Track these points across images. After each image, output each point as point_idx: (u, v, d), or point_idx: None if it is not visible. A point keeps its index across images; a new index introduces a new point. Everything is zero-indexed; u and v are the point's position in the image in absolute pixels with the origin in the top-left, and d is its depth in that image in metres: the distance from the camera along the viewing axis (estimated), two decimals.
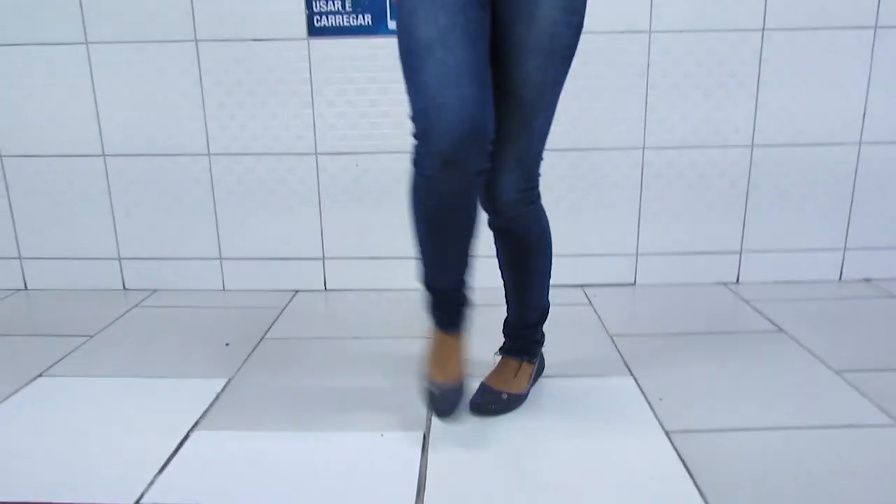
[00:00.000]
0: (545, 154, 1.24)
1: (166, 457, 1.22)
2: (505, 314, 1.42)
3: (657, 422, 1.31)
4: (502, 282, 1.38)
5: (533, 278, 1.37)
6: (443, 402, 1.27)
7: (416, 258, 1.22)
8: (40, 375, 1.58)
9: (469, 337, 1.31)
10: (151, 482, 1.14)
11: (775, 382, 1.47)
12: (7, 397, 1.47)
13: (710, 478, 1.12)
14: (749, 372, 1.53)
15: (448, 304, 1.25)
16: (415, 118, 1.06)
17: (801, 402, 1.38)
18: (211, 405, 1.42)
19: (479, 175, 1.09)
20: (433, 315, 1.26)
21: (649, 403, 1.39)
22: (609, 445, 1.23)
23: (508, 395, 1.37)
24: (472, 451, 1.23)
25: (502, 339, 1.44)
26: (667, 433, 1.27)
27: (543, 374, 1.49)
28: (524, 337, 1.42)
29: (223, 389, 1.49)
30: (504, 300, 1.41)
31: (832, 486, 1.10)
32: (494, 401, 1.36)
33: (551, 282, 1.39)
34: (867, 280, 2.14)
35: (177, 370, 1.59)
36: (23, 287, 2.22)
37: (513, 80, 1.14)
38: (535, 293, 1.38)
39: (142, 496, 1.11)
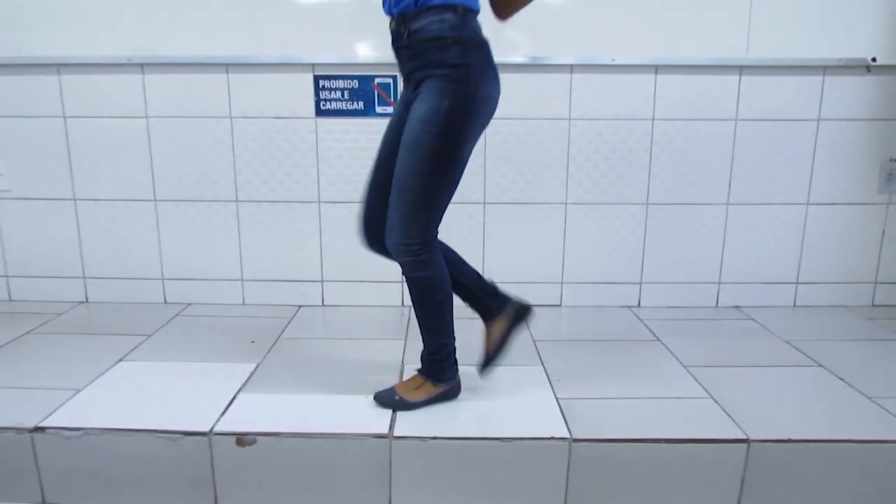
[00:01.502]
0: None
1: (224, 406, 1.85)
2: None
3: (552, 391, 1.96)
4: None
5: (420, 318, 1.80)
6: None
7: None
8: (120, 360, 2.20)
9: None
10: (217, 420, 1.77)
11: (638, 371, 2.13)
12: (101, 374, 2.08)
13: (578, 426, 1.77)
14: (623, 366, 2.18)
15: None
16: None
17: (651, 384, 2.03)
18: (248, 378, 2.04)
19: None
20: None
21: (550, 382, 2.03)
22: (515, 403, 1.88)
23: (400, 398, 1.82)
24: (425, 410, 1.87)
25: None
26: (556, 398, 1.91)
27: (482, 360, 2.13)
28: (425, 360, 1.85)
29: (255, 370, 2.11)
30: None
31: (655, 427, 1.74)
32: (387, 396, 1.84)
33: None
34: (737, 307, 2.82)
35: (219, 357, 2.22)
36: (84, 300, 2.83)
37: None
38: (423, 330, 1.81)
39: (214, 425, 1.73)
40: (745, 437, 1.71)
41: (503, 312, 1.90)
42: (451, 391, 1.89)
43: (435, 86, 1.60)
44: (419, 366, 1.90)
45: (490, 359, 1.91)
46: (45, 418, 1.79)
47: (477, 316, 1.92)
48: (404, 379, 1.96)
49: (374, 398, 1.87)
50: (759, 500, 1.71)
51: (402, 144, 1.65)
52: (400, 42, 1.67)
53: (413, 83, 1.69)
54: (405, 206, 1.66)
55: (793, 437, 1.72)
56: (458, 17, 1.60)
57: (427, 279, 1.73)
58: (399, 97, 1.83)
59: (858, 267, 2.78)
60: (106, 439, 1.74)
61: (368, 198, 1.80)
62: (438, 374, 1.85)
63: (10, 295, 2.82)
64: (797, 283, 2.79)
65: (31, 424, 1.76)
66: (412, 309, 1.89)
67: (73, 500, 1.76)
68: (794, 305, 2.81)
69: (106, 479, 1.75)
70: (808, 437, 1.72)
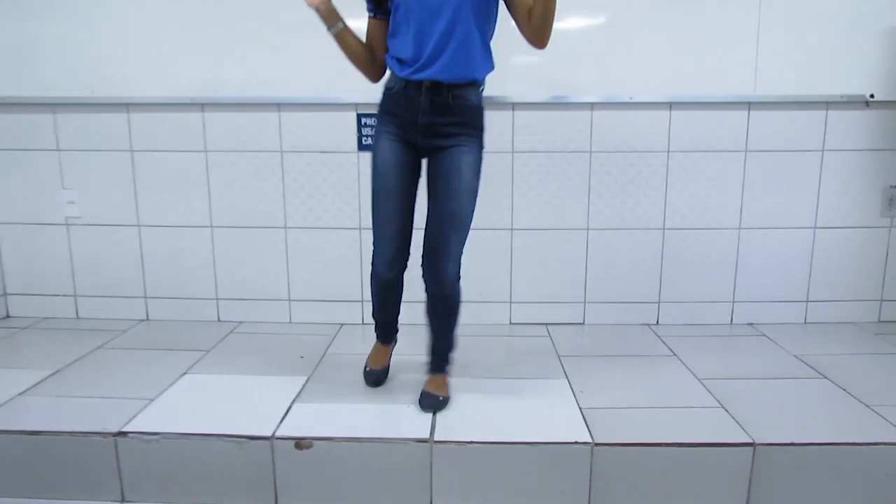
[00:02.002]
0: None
1: (282, 414, 2.08)
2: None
3: (575, 401, 2.17)
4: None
5: (447, 327, 2.15)
6: (373, 377, 2.28)
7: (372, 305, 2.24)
8: (185, 373, 2.44)
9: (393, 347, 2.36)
10: (277, 425, 2.00)
11: (655, 383, 2.33)
12: (170, 385, 2.33)
13: (599, 430, 1.97)
14: (641, 378, 2.38)
15: (384, 329, 2.28)
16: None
17: (666, 395, 2.23)
18: (301, 389, 2.28)
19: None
20: (377, 334, 2.31)
21: (573, 393, 2.24)
22: (543, 411, 2.09)
23: (444, 397, 2.13)
24: (461, 408, 2.08)
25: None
26: (580, 408, 2.12)
27: (513, 375, 2.34)
28: (445, 358, 2.19)
29: (306, 382, 2.35)
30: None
31: (669, 433, 1.94)
32: (434, 400, 2.11)
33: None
34: (751, 324, 3.00)
35: (273, 371, 2.45)
36: (145, 318, 3.09)
37: None
38: (447, 335, 2.16)
39: (275, 430, 1.97)
40: (751, 440, 1.91)
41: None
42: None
43: (474, 142, 1.99)
44: (428, 365, 2.23)
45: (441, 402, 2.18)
46: (126, 424, 2.03)
47: None
48: (427, 383, 2.21)
49: (424, 407, 2.12)
50: (765, 500, 1.90)
51: (457, 189, 1.97)
52: (440, 102, 1.94)
53: (436, 135, 1.97)
54: (460, 242, 2.02)
55: (795, 441, 1.91)
56: (483, 89, 2.02)
57: (459, 295, 2.12)
58: (393, 138, 2.02)
59: (864, 286, 2.96)
60: (179, 443, 1.98)
61: (397, 238, 2.06)
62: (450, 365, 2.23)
63: (77, 312, 3.09)
64: (807, 301, 2.97)
65: (115, 429, 2.00)
66: (431, 322, 2.17)
67: (150, 499, 1.99)
68: (805, 322, 2.99)
69: (179, 479, 1.99)
70: (809, 441, 1.92)
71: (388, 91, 2.05)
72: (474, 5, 1.88)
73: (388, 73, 2.06)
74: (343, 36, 2.02)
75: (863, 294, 2.97)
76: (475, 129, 2.00)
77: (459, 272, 2.07)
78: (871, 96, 2.75)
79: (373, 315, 2.32)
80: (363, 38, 2.07)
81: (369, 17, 2.04)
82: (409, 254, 2.11)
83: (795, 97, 2.77)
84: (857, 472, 1.90)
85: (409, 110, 1.98)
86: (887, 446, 1.91)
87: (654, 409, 2.12)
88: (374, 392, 2.27)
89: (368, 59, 2.07)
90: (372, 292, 2.25)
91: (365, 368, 2.35)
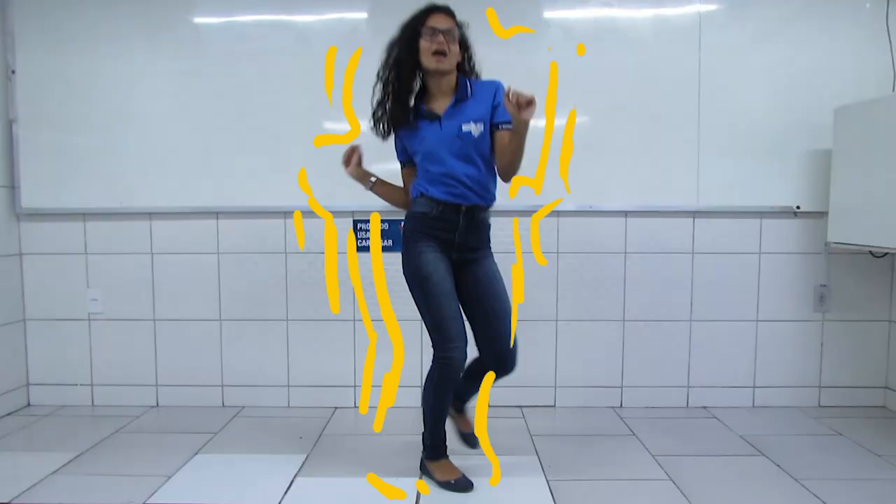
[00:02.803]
0: None
1: (285, 487, 2.38)
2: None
3: (544, 476, 2.48)
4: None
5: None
6: (461, 485, 2.39)
7: (427, 424, 2.42)
8: (196, 453, 2.73)
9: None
10: (281, 498, 2.30)
11: (616, 459, 2.65)
12: (184, 464, 2.62)
13: (562, 499, 2.28)
14: (603, 455, 2.70)
15: (442, 442, 2.45)
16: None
17: (624, 469, 2.55)
18: (301, 466, 2.58)
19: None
20: (437, 453, 2.44)
21: (542, 467, 2.55)
22: (513, 482, 2.40)
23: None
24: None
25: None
26: (546, 479, 2.43)
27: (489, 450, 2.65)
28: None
29: (306, 459, 2.65)
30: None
31: (622, 501, 2.26)
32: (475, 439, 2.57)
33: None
34: (705, 407, 3.33)
35: (275, 450, 2.75)
36: (155, 404, 3.38)
37: None
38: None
39: (281, 500, 2.26)
40: None
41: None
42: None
43: (490, 252, 2.45)
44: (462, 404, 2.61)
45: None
46: (149, 497, 2.32)
47: None
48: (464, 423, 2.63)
49: (473, 446, 2.61)
50: None
51: (497, 289, 2.39)
52: (472, 223, 2.35)
53: (464, 249, 2.36)
54: (510, 331, 2.38)
55: None
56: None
57: None
58: (434, 239, 2.33)
59: (804, 373, 3.32)
60: None
61: (464, 329, 2.32)
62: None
63: (93, 401, 3.39)
64: (754, 386, 3.32)
65: (140, 502, 2.29)
66: (477, 378, 2.45)
67: None
68: (753, 406, 3.33)
69: None
70: None
71: (423, 215, 2.35)
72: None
73: (420, 199, 2.37)
74: (378, 189, 2.47)
75: (803, 381, 3.32)
76: (488, 242, 2.46)
77: None
78: (798, 208, 3.20)
79: (432, 433, 2.43)
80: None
81: (403, 167, 2.48)
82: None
83: (733, 208, 3.21)
84: None
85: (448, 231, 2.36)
86: None
87: (612, 482, 2.44)
88: (366, 469, 2.56)
89: (404, 198, 2.49)
90: (433, 403, 2.37)
91: (449, 483, 2.40)
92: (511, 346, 2.38)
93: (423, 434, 2.46)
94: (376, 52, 2.36)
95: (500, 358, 2.39)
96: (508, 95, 2.06)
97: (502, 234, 3.14)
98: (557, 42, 3.18)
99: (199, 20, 3.23)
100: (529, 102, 2.04)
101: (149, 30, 3.22)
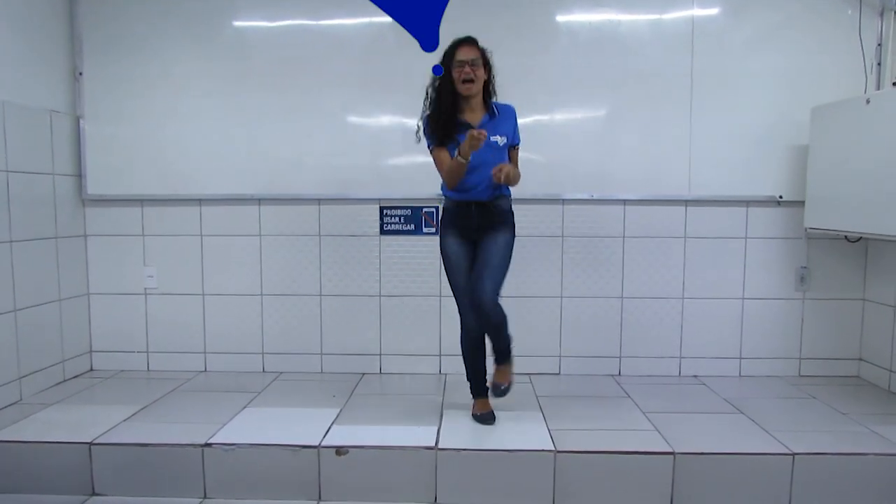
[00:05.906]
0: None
1: (324, 431, 2.78)
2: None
3: (545, 425, 2.86)
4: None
5: (503, 335, 2.85)
6: (483, 418, 2.90)
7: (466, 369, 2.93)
8: (245, 407, 3.15)
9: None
10: (322, 438, 2.70)
11: (609, 413, 3.03)
12: (236, 414, 3.03)
13: (561, 442, 2.66)
14: (599, 410, 3.08)
15: (476, 382, 2.94)
16: None
17: (615, 421, 2.93)
18: (337, 416, 2.98)
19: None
20: (473, 392, 2.96)
21: (545, 420, 2.93)
22: (520, 428, 2.79)
23: (508, 384, 2.91)
24: (459, 429, 2.78)
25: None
26: (548, 429, 2.81)
27: (498, 408, 3.03)
28: (506, 353, 2.88)
29: (340, 411, 3.05)
30: None
31: (612, 445, 2.63)
32: (503, 388, 2.90)
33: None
34: (695, 376, 3.70)
35: (313, 405, 3.16)
36: (204, 370, 3.80)
37: None
38: (504, 339, 2.86)
39: (321, 441, 2.67)
40: (671, 450, 2.60)
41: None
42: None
43: (503, 228, 2.87)
44: (493, 358, 2.93)
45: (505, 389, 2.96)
46: (210, 438, 2.73)
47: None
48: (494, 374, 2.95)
49: (497, 395, 2.92)
50: (685, 497, 2.57)
51: (488, 253, 2.81)
52: (486, 209, 2.83)
53: (482, 229, 2.84)
54: (501, 279, 2.83)
55: (704, 451, 2.60)
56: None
57: (502, 311, 2.80)
58: (456, 228, 2.87)
59: (786, 346, 3.67)
60: (249, 451, 2.67)
61: (467, 289, 2.84)
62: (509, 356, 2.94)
63: (148, 366, 3.81)
64: (740, 357, 3.68)
65: (202, 441, 2.70)
66: (488, 337, 2.89)
67: (225, 495, 2.67)
68: (740, 375, 3.69)
69: (249, 479, 2.67)
70: (714, 451, 2.60)
71: (446, 210, 2.93)
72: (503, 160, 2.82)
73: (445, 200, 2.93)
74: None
75: (785, 353, 3.67)
76: (508, 221, 2.90)
77: (499, 297, 2.80)
78: (781, 197, 3.55)
79: (467, 377, 3.01)
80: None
81: (440, 148, 2.81)
82: None
83: (722, 197, 3.57)
84: (750, 476, 2.58)
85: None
86: (774, 456, 2.59)
87: (604, 431, 2.82)
88: (394, 418, 2.96)
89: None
90: (465, 355, 2.98)
91: (476, 415, 2.94)
92: (484, 297, 2.74)
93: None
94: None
95: (475, 306, 2.79)
96: (498, 175, 2.66)
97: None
98: (566, 46, 3.55)
99: (238, 24, 3.65)
100: (507, 176, 2.68)
101: (194, 38, 3.65)
